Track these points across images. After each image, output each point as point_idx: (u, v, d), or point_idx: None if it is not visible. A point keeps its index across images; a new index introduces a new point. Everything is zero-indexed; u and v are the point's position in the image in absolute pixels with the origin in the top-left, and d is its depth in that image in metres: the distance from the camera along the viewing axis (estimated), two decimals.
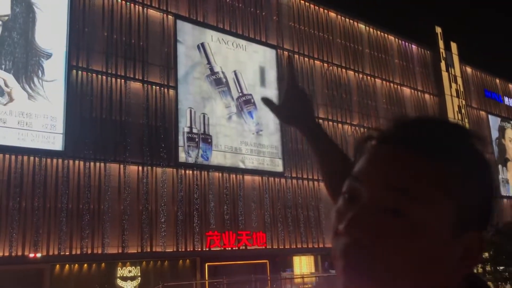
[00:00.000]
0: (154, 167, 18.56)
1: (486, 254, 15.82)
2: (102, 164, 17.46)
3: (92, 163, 17.20)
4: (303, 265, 22.74)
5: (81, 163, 16.99)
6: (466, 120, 31.92)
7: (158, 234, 17.96)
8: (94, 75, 18.07)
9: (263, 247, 20.56)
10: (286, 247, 21.36)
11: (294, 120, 1.24)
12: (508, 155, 34.54)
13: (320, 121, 23.73)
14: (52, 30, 17.29)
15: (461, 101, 32.17)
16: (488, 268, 17.13)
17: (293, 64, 1.31)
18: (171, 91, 19.89)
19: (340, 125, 24.99)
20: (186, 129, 19.91)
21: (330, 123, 24.45)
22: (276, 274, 20.88)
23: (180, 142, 19.52)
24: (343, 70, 26.24)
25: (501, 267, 17.46)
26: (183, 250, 18.47)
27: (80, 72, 17.77)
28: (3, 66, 16.20)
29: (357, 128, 25.28)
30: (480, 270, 16.11)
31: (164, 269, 18.72)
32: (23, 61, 16.60)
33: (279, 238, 21.17)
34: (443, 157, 0.62)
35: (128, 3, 19.64)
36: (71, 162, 16.80)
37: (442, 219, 0.60)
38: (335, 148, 1.19)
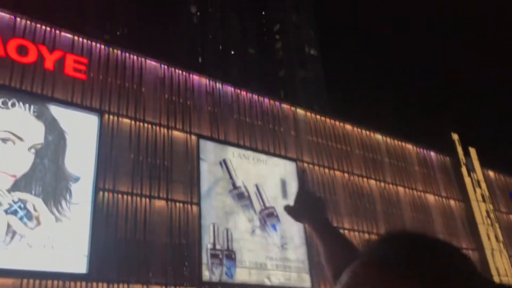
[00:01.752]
0: (178, 287, 18.02)
1: None
2: (126, 286, 17.05)
3: (115, 285, 16.82)
4: None
5: (105, 285, 16.64)
6: (497, 225, 30.89)
7: None
8: (120, 195, 18.47)
9: None
10: None
11: (303, 218, 1.35)
12: None
13: (346, 231, 23.21)
14: (81, 155, 18.10)
15: (489, 206, 31.42)
16: None
17: (305, 176, 1.46)
18: (195, 207, 20.03)
19: (366, 234, 24.39)
20: (210, 246, 19.64)
21: (356, 233, 23.90)
22: None
23: (204, 260, 19.14)
24: (365, 179, 26.32)
25: None
26: None
27: (106, 193, 18.20)
28: (33, 192, 16.74)
29: None
30: None
31: None
32: (53, 185, 17.17)
33: None
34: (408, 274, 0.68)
35: (153, 126, 20.71)
36: (94, 284, 16.48)
37: None
38: (344, 242, 1.23)
